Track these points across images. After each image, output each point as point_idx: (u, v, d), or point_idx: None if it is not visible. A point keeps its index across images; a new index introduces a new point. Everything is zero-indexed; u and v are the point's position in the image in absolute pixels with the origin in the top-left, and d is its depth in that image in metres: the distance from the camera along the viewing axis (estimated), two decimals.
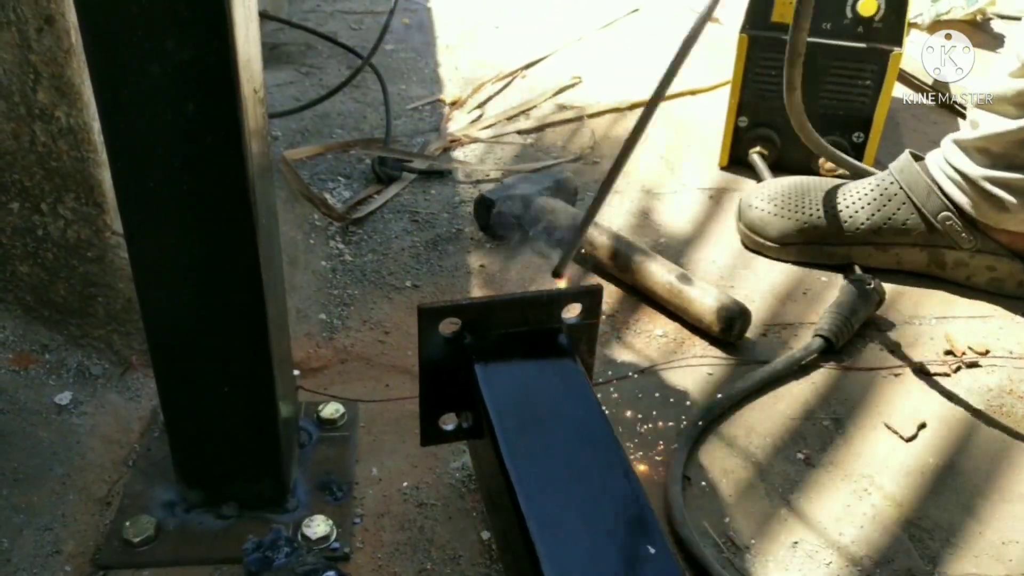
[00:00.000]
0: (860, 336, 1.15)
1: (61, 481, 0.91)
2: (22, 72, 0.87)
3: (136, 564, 0.84)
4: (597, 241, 1.24)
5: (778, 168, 1.45)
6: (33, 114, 0.89)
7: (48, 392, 1.00)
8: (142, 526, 0.86)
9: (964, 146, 1.19)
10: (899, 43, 1.36)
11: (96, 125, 0.91)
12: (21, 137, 0.91)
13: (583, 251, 1.27)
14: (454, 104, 1.69)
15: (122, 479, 0.92)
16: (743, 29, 1.40)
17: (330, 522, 0.87)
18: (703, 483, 0.95)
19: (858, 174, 1.31)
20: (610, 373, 1.09)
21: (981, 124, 1.16)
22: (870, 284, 1.16)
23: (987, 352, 1.14)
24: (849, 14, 1.36)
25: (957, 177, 1.20)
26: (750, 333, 1.15)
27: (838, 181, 1.31)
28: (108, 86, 0.67)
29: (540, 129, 1.62)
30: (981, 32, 1.98)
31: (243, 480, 0.88)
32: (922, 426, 1.03)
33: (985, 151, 1.16)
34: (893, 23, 1.36)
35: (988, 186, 1.16)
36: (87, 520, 0.88)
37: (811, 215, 1.28)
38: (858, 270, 1.24)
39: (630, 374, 1.09)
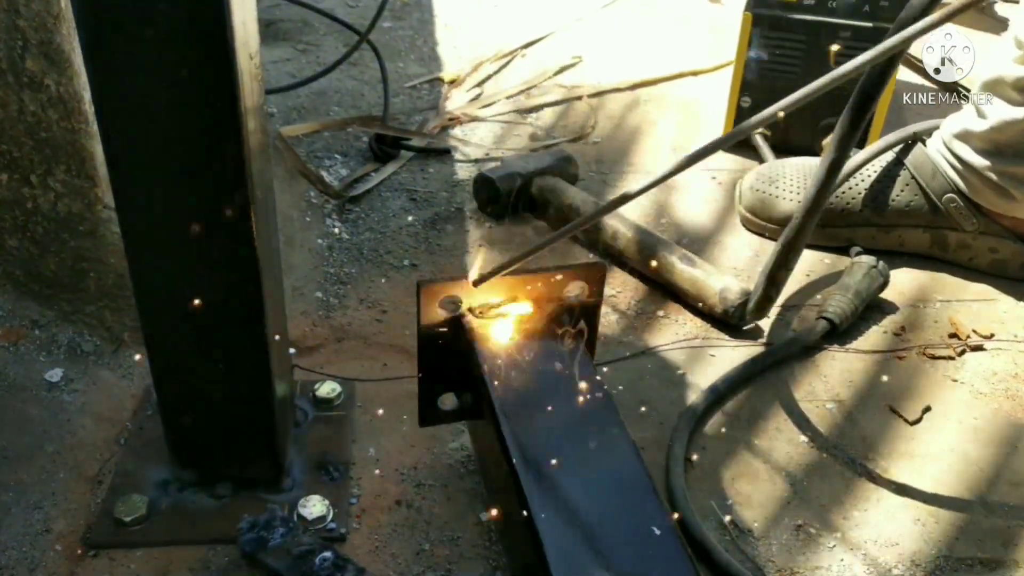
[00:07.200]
0: (864, 319, 1.14)
1: (52, 459, 0.90)
2: (10, 38, 0.85)
3: (128, 544, 0.82)
4: (600, 223, 1.22)
5: (781, 149, 1.43)
6: (22, 82, 0.87)
7: (39, 368, 0.98)
8: (134, 505, 0.84)
9: (968, 137, 1.17)
10: None
11: (87, 95, 0.89)
12: (9, 106, 0.88)
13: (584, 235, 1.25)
14: (453, 82, 1.66)
15: (114, 457, 0.91)
16: (747, 7, 1.38)
17: (326, 502, 0.85)
18: (706, 465, 0.94)
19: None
20: (612, 354, 1.07)
21: (988, 114, 1.14)
22: (875, 266, 1.14)
23: (992, 336, 1.13)
24: None
25: (960, 167, 1.18)
26: None
27: None
28: (98, 52, 0.65)
29: (540, 108, 1.60)
30: (984, 16, 1.96)
31: (238, 459, 0.86)
32: (927, 409, 1.02)
33: (991, 141, 1.15)
34: (899, 2, 1.33)
35: (995, 178, 1.15)
36: (78, 499, 0.87)
37: None
38: (861, 251, 1.23)
39: (632, 355, 1.07)
